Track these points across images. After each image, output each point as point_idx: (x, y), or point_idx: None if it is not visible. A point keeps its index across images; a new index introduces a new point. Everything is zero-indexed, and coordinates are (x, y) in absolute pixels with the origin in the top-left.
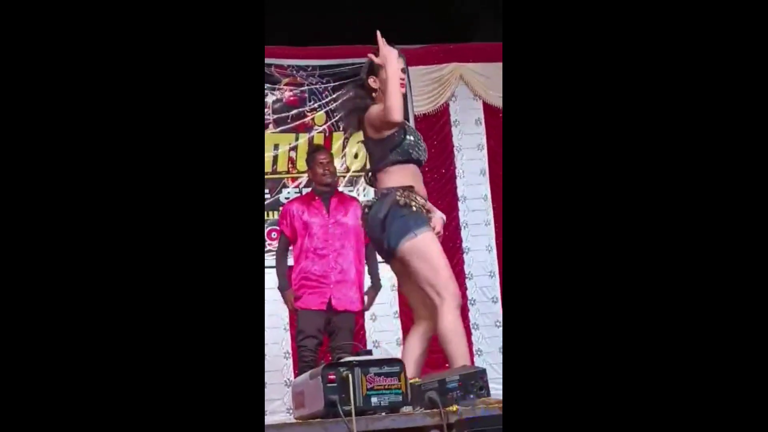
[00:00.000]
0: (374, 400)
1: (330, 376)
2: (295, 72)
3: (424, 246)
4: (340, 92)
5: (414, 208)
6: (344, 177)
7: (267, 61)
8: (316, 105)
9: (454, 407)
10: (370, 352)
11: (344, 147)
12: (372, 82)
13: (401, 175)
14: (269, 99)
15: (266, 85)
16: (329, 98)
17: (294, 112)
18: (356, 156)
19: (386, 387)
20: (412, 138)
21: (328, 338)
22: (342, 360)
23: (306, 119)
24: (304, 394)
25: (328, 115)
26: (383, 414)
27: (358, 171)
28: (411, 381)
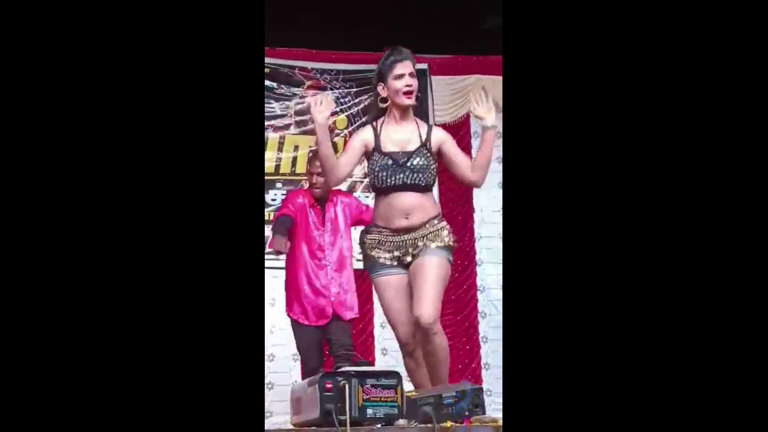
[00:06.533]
0: (369, 411)
1: (327, 385)
2: (318, 75)
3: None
4: (362, 97)
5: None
6: (361, 182)
7: (291, 63)
8: (337, 109)
9: (448, 423)
10: (369, 363)
11: None
12: (381, 89)
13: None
14: (291, 101)
15: (289, 87)
16: (351, 103)
17: None
18: None
19: (382, 399)
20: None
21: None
22: (340, 369)
23: None
24: (301, 401)
25: (350, 119)
26: (378, 426)
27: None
28: (407, 394)
